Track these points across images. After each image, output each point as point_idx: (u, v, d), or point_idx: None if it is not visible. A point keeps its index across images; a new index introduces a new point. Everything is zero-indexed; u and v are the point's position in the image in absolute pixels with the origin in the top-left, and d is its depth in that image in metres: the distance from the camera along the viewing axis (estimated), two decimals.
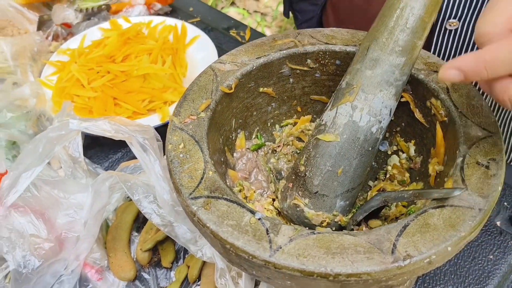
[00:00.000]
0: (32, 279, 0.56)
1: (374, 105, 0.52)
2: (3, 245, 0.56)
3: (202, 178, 0.48)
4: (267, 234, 0.42)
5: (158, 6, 1.16)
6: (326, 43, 0.61)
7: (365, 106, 0.52)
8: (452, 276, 0.63)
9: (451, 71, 0.42)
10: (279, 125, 0.68)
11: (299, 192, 0.56)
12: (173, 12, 1.18)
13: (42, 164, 0.55)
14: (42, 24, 1.06)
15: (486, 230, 0.67)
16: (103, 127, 0.57)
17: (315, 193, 0.55)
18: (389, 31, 0.50)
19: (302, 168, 0.56)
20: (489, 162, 0.46)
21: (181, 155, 0.50)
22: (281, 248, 0.41)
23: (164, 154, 0.59)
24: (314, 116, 0.67)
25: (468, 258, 0.64)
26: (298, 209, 0.56)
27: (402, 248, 0.40)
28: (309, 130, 0.67)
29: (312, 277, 0.40)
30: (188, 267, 0.66)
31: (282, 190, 0.60)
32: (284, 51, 0.61)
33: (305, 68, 0.62)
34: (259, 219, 0.44)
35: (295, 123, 0.68)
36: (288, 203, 0.57)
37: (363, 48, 0.53)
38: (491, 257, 0.64)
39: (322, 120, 0.55)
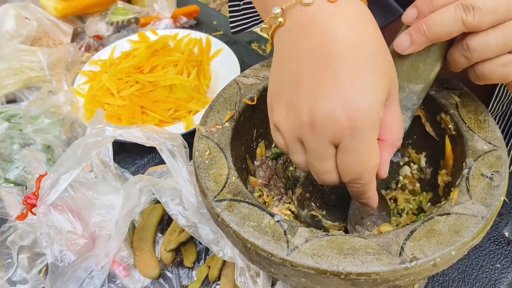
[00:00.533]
0: (67, 273, 0.61)
1: None
2: (43, 240, 0.60)
3: (226, 183, 0.52)
4: (285, 235, 0.46)
5: (184, 19, 1.21)
6: None
7: None
8: (460, 283, 0.66)
9: (402, 35, 0.49)
10: None
11: (317, 204, 0.59)
12: (197, 25, 1.23)
13: (80, 167, 0.60)
14: (75, 36, 1.12)
15: (495, 240, 0.69)
16: (135, 134, 0.61)
17: (332, 206, 0.58)
18: (412, 61, 0.51)
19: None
20: (493, 174, 0.49)
21: (207, 161, 0.54)
22: (297, 248, 0.45)
23: (190, 160, 0.63)
24: None
25: (476, 266, 0.67)
26: (316, 219, 0.60)
27: (409, 251, 0.44)
28: None
29: (325, 275, 0.43)
30: (209, 267, 0.69)
31: (299, 198, 0.63)
32: None
33: None
34: (278, 221, 0.47)
35: None
36: (305, 213, 0.61)
37: None
38: (498, 265, 0.67)
39: None
